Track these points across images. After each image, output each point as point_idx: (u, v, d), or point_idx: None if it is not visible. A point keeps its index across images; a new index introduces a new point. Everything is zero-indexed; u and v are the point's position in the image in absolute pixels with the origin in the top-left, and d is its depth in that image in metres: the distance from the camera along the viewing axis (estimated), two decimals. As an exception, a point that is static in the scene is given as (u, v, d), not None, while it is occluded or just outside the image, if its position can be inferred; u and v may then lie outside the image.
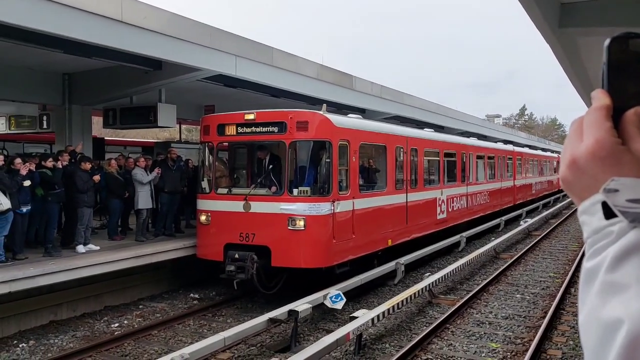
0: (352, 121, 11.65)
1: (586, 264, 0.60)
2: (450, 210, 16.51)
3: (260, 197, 10.41)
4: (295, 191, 10.16)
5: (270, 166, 10.73)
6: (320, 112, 10.54)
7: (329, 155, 10.20)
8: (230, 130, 10.87)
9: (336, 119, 10.77)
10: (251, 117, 10.55)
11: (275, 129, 10.38)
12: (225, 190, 11.02)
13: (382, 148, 12.50)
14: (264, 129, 10.52)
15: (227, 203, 10.69)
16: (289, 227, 9.93)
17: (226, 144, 11.80)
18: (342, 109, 16.38)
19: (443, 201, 15.93)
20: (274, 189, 10.47)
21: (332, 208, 10.10)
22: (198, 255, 11.22)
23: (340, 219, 10.33)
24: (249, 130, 10.69)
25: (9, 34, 8.56)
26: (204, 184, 11.29)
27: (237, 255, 10.11)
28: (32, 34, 8.53)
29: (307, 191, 10.10)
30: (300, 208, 9.94)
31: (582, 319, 0.59)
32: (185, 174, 13.25)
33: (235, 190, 10.94)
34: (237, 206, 10.45)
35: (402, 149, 13.27)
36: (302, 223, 9.88)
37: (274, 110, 11.02)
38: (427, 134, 16.23)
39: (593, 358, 0.56)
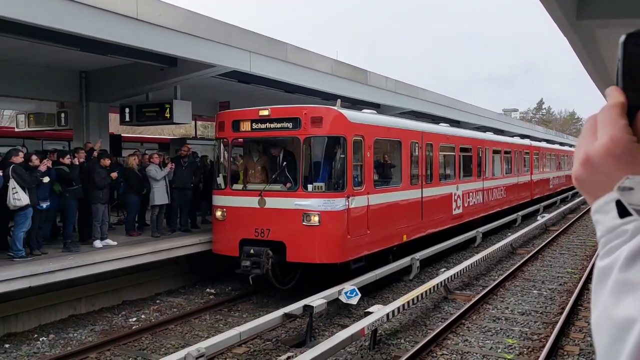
0: (367, 116, 11.61)
1: (599, 263, 0.60)
2: (466, 205, 16.40)
3: (275, 192, 10.44)
4: (309, 187, 10.16)
5: (285, 162, 10.75)
6: (335, 108, 10.52)
7: (343, 150, 10.18)
8: (245, 126, 10.90)
9: (351, 114, 10.74)
10: (266, 113, 10.57)
11: (290, 125, 10.40)
12: (240, 186, 11.07)
13: (397, 143, 12.44)
14: (279, 125, 10.54)
15: (242, 199, 10.74)
16: (304, 223, 9.95)
17: (241, 140, 11.85)
18: (356, 104, 16.33)
19: (459, 196, 15.82)
20: (288, 184, 10.50)
21: (347, 204, 10.09)
22: (214, 250, 11.30)
23: (355, 215, 10.32)
24: (263, 126, 10.71)
25: (27, 32, 8.67)
26: (219, 180, 11.35)
27: (252, 251, 10.17)
28: (49, 33, 8.63)
29: (321, 187, 10.11)
30: (314, 204, 9.96)
31: (594, 317, 0.58)
32: (199, 170, 13.33)
33: (250, 186, 10.99)
34: (252, 202, 10.50)
35: (417, 144, 13.20)
36: (316, 219, 9.89)
37: (288, 106, 11.01)
38: (443, 128, 16.12)
39: (605, 357, 0.55)
